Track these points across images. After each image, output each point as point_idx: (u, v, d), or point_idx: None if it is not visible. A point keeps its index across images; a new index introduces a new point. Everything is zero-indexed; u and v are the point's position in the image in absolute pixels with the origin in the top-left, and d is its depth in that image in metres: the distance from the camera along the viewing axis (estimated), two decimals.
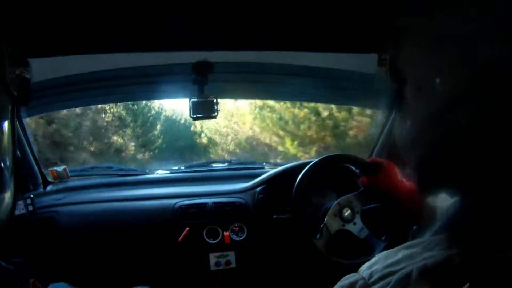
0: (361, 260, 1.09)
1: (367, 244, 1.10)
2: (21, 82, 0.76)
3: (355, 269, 0.41)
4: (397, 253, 0.40)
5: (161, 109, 6.16)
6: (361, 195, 1.15)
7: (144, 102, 5.43)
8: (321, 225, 1.13)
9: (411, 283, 0.35)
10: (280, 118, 5.28)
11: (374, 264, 0.41)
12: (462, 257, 0.35)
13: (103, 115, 5.61)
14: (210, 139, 6.47)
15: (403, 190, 0.95)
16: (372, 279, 0.38)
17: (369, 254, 1.09)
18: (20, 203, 1.19)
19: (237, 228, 1.32)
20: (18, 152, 1.26)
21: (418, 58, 0.39)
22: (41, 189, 1.38)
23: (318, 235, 1.13)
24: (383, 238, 1.11)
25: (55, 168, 1.44)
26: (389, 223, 1.12)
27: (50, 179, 1.43)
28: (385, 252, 0.41)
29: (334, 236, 1.13)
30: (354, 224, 1.12)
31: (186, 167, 1.66)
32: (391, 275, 0.37)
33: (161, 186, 1.47)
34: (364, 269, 0.41)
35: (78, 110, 4.79)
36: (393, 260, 0.39)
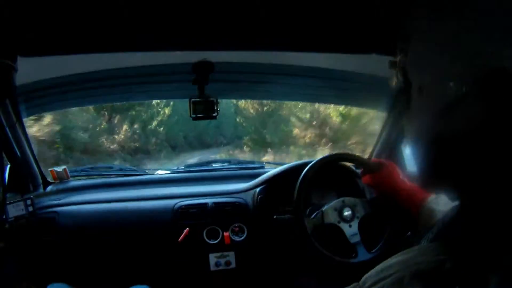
0: (345, 259, 1.10)
1: (352, 249, 1.11)
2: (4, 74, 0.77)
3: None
4: (392, 259, 0.40)
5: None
6: (367, 202, 1.15)
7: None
8: (318, 211, 1.14)
9: (403, 286, 0.36)
10: None
11: (370, 273, 0.41)
12: (453, 261, 0.35)
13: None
14: None
15: (404, 190, 0.95)
16: (366, 284, 0.39)
17: (351, 258, 1.10)
18: (20, 203, 1.19)
19: (237, 228, 1.31)
20: (18, 152, 1.26)
21: (424, 59, 0.39)
22: (41, 190, 1.38)
23: (312, 216, 1.14)
24: (373, 251, 1.11)
25: (55, 168, 1.44)
26: (385, 237, 1.12)
27: (50, 179, 1.43)
28: (380, 264, 0.42)
29: (324, 226, 1.13)
30: (350, 226, 1.12)
31: (186, 167, 1.66)
32: (384, 279, 0.38)
33: (161, 186, 1.47)
34: (362, 279, 0.41)
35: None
36: (387, 265, 0.40)
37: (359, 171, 1.34)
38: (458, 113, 0.35)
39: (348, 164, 1.33)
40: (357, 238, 1.11)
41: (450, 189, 0.41)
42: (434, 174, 0.40)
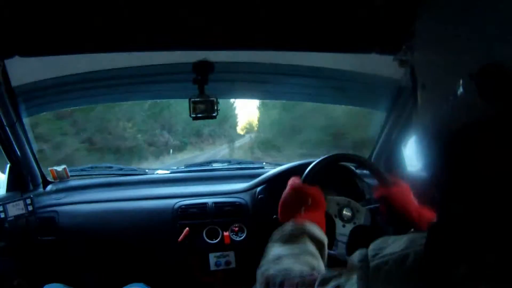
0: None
1: (334, 243, 1.08)
2: None
3: None
4: (403, 237, 0.42)
5: None
6: (370, 215, 1.13)
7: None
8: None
9: (407, 264, 0.38)
10: None
11: (381, 244, 0.43)
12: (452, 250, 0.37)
13: None
14: None
15: (415, 209, 0.94)
16: (375, 257, 0.41)
17: (329, 248, 1.07)
18: (20, 203, 1.19)
19: (237, 228, 1.32)
20: (18, 152, 1.26)
21: (426, 56, 0.40)
22: (41, 189, 1.38)
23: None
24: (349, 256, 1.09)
25: (55, 167, 1.44)
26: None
27: (50, 179, 1.43)
28: (393, 236, 0.44)
29: None
30: (343, 226, 1.11)
31: (186, 167, 1.66)
32: (391, 255, 0.40)
33: (161, 186, 1.47)
34: (372, 247, 0.43)
35: None
36: (398, 243, 0.41)
37: (359, 171, 1.34)
38: (457, 108, 0.35)
39: (348, 164, 1.32)
40: (344, 239, 1.10)
41: (446, 193, 0.41)
42: (435, 172, 0.40)
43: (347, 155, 1.16)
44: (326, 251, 0.72)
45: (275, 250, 0.67)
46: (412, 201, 0.96)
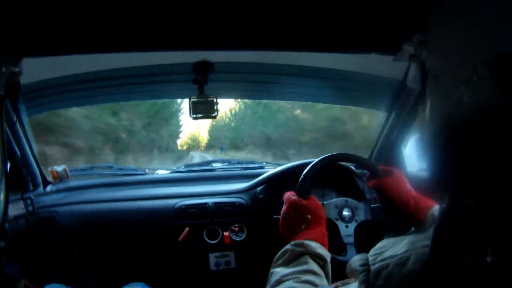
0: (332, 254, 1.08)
1: (343, 247, 1.09)
2: (9, 80, 0.77)
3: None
4: (404, 239, 0.42)
5: None
6: (369, 208, 1.13)
7: None
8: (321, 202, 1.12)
9: (407, 266, 0.37)
10: None
11: (382, 248, 0.43)
12: (455, 249, 0.36)
13: None
14: None
15: (410, 197, 0.94)
16: (376, 261, 0.41)
17: (339, 255, 1.06)
18: (20, 203, 1.19)
19: (237, 228, 1.32)
20: (18, 152, 1.26)
21: (441, 48, 0.40)
22: (41, 189, 1.38)
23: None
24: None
25: (55, 168, 1.44)
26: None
27: (50, 179, 1.43)
28: (393, 238, 0.44)
29: None
30: (347, 227, 1.11)
31: (186, 167, 1.66)
32: (392, 258, 0.40)
33: (161, 186, 1.47)
34: (372, 252, 0.43)
35: None
36: (398, 246, 0.41)
37: (359, 171, 1.34)
38: (471, 98, 0.35)
39: (348, 164, 1.32)
40: (350, 240, 1.09)
41: (454, 186, 0.40)
42: (442, 167, 0.40)
43: (335, 156, 1.13)
44: (329, 266, 0.71)
45: (277, 273, 0.67)
46: (407, 189, 0.96)
